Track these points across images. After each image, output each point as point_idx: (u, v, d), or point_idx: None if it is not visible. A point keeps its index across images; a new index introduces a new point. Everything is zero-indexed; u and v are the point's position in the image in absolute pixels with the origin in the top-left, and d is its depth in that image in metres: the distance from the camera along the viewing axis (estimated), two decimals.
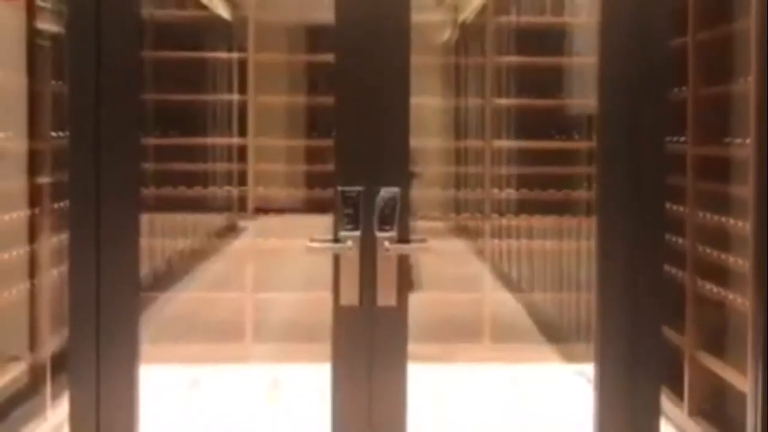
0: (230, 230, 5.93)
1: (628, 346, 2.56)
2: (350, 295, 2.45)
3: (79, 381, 2.57)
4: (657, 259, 2.57)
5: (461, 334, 5.37)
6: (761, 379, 2.62)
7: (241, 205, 5.60)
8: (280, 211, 5.67)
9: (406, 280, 2.49)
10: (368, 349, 2.49)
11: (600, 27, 2.58)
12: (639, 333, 2.55)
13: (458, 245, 6.15)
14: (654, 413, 2.60)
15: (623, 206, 2.53)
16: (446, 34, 6.66)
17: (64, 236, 4.14)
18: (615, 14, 2.55)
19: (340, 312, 2.47)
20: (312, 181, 5.80)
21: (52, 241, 4.07)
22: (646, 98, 2.52)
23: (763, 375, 2.62)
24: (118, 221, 2.48)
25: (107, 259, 2.50)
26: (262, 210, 5.56)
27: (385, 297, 2.44)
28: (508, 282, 5.83)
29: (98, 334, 2.53)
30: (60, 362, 4.03)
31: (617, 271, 2.55)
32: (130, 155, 2.47)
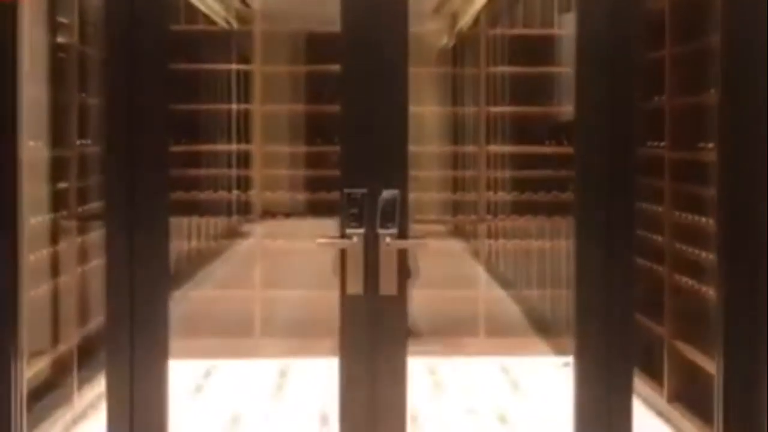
0: (237, 232, 6.22)
1: (603, 331, 2.85)
2: (355, 285, 2.73)
3: (115, 369, 2.85)
4: (628, 253, 2.86)
5: (458, 328, 5.66)
6: (722, 362, 2.90)
7: (248, 209, 5.88)
8: (286, 215, 5.96)
9: (404, 272, 2.78)
10: (372, 333, 2.77)
11: (576, 43, 2.87)
12: (613, 319, 2.84)
13: (455, 245, 6.45)
14: (627, 392, 2.89)
15: (597, 206, 2.81)
16: (444, 41, 6.94)
17: (87, 237, 4.47)
18: (589, 31, 2.83)
19: (346, 300, 2.76)
20: (314, 185, 6.08)
21: (77, 242, 4.36)
22: (617, 107, 2.80)
23: (725, 358, 2.89)
24: (150, 223, 2.76)
25: (140, 256, 2.77)
26: (269, 213, 5.85)
27: (387, 287, 2.73)
28: (501, 280, 6.11)
29: (132, 326, 2.81)
30: (84, 354, 4.34)
31: (593, 265, 2.84)
32: (160, 161, 2.76)
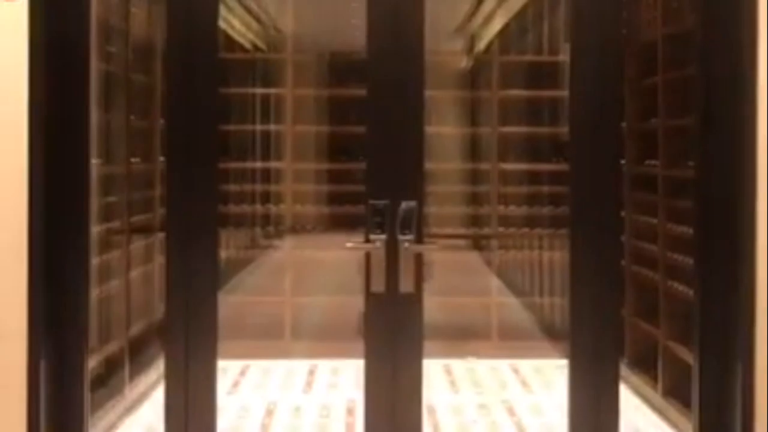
0: (268, 244, 6.69)
1: (594, 332, 3.25)
2: (378, 284, 3.15)
3: (172, 362, 3.24)
4: (616, 259, 3.28)
5: (473, 332, 6.08)
6: (698, 355, 3.28)
7: (280, 221, 6.35)
8: (312, 230, 6.42)
9: (421, 273, 3.20)
10: (393, 326, 3.19)
11: (570, 71, 3.28)
12: (602, 321, 3.25)
13: (471, 256, 6.88)
14: (614, 383, 3.27)
15: (589, 217, 3.23)
16: (464, 63, 7.38)
17: (138, 244, 4.93)
18: (580, 60, 3.24)
19: (370, 297, 3.18)
20: (339, 199, 6.53)
21: (127, 250, 4.81)
22: (605, 128, 3.21)
23: (701, 351, 3.27)
24: (203, 232, 3.19)
25: (194, 262, 3.19)
26: (297, 230, 6.32)
27: (406, 285, 3.14)
28: (513, 288, 6.51)
29: (188, 323, 3.22)
30: (134, 350, 4.78)
31: (585, 270, 3.24)
32: (211, 177, 3.20)
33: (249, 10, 6.59)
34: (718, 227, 3.24)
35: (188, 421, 3.24)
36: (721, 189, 3.24)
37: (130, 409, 4.55)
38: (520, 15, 6.68)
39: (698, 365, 3.29)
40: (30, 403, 3.03)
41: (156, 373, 4.96)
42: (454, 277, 6.03)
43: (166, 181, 3.21)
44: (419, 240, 3.16)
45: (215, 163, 3.22)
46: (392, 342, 3.21)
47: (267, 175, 6.61)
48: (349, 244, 3.19)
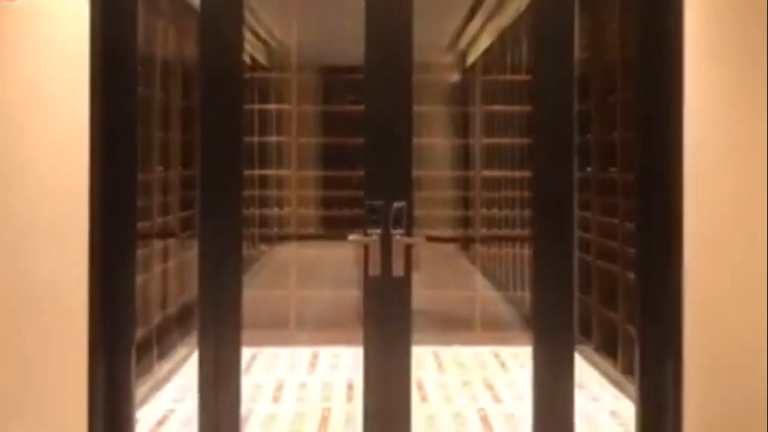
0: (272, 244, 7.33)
1: (553, 312, 3.88)
2: (375, 269, 3.77)
3: (205, 343, 3.81)
4: (570, 257, 3.90)
5: (458, 323, 6.74)
6: (640, 326, 3.92)
7: (286, 222, 6.99)
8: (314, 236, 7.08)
9: (409, 261, 3.85)
10: (387, 304, 3.83)
11: (533, 89, 3.93)
12: (559, 303, 3.88)
13: (457, 254, 7.55)
14: (570, 361, 3.89)
15: (549, 218, 3.87)
16: (455, 77, 8.05)
17: (165, 241, 5.58)
18: (540, 80, 3.86)
19: (368, 280, 3.83)
20: (336, 203, 7.20)
21: (158, 246, 5.47)
22: (560, 139, 3.88)
23: (641, 322, 3.91)
24: (229, 230, 3.83)
25: (222, 257, 3.80)
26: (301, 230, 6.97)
27: (397, 270, 3.78)
28: (494, 282, 7.17)
29: (218, 309, 3.81)
30: (161, 333, 5.44)
31: (544, 266, 3.88)
32: (236, 183, 3.85)
33: (255, 34, 7.26)
34: (655, 222, 3.85)
35: (218, 389, 3.85)
36: (655, 190, 3.83)
37: (157, 387, 5.20)
38: (502, 37, 7.35)
39: (639, 336, 3.93)
40: (91, 369, 3.61)
41: (177, 357, 5.65)
42: (442, 270, 6.68)
43: (199, 185, 3.80)
44: (408, 233, 3.82)
45: (240, 171, 3.88)
46: (386, 316, 3.85)
47: (268, 182, 7.27)
48: (351, 237, 3.85)
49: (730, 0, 3.71)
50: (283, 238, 7.15)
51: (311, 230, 7.16)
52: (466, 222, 7.45)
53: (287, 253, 7.15)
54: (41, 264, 3.57)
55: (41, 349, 3.57)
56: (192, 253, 5.86)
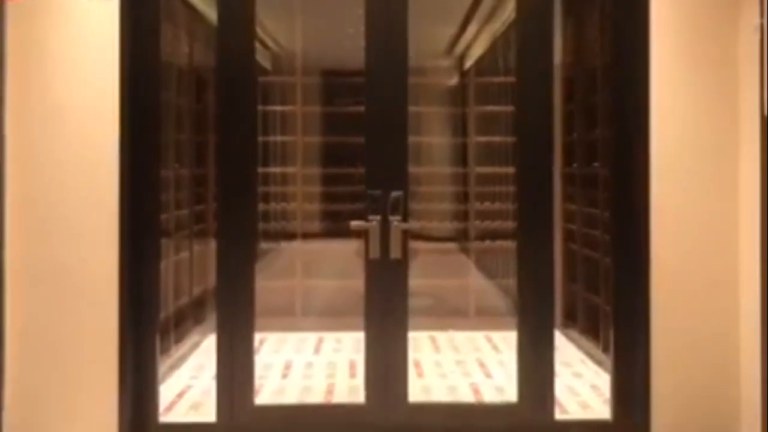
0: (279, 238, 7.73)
1: (536, 297, 4.29)
2: (375, 252, 4.17)
3: (223, 328, 4.22)
4: (549, 243, 4.31)
5: (453, 309, 7.16)
6: (613, 302, 4.33)
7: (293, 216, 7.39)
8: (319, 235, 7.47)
9: (406, 245, 4.26)
10: (386, 283, 4.23)
11: (516, 90, 4.32)
12: (540, 289, 4.29)
13: (452, 246, 7.96)
14: (550, 341, 4.31)
15: (531, 211, 4.26)
16: (454, 80, 8.44)
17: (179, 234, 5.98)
18: (523, 85, 4.26)
19: (369, 262, 4.24)
20: (339, 198, 7.60)
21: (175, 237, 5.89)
22: (542, 138, 4.30)
23: (615, 300, 4.32)
24: (245, 223, 4.22)
25: (238, 249, 4.21)
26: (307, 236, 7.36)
27: (395, 253, 4.19)
28: (486, 271, 7.58)
29: (234, 294, 4.22)
30: (178, 318, 5.86)
31: (528, 251, 4.29)
32: (252, 180, 4.23)
33: (261, 42, 7.68)
34: (625, 210, 4.22)
35: (233, 365, 4.28)
36: (626, 182, 4.21)
37: (174, 366, 5.64)
38: (494, 43, 7.74)
39: (613, 315, 4.35)
40: (121, 347, 4.02)
41: (191, 341, 6.08)
42: (436, 260, 7.07)
43: (218, 182, 4.19)
44: (404, 220, 4.23)
45: (255, 169, 4.30)
46: (385, 294, 4.26)
47: (277, 179, 7.67)
48: (353, 223, 4.25)
49: (695, 6, 4.10)
50: (289, 237, 7.53)
51: (316, 224, 7.57)
52: (462, 215, 7.81)
53: (293, 246, 7.54)
54: (75, 252, 3.98)
55: (76, 331, 3.98)
56: (203, 246, 6.30)
